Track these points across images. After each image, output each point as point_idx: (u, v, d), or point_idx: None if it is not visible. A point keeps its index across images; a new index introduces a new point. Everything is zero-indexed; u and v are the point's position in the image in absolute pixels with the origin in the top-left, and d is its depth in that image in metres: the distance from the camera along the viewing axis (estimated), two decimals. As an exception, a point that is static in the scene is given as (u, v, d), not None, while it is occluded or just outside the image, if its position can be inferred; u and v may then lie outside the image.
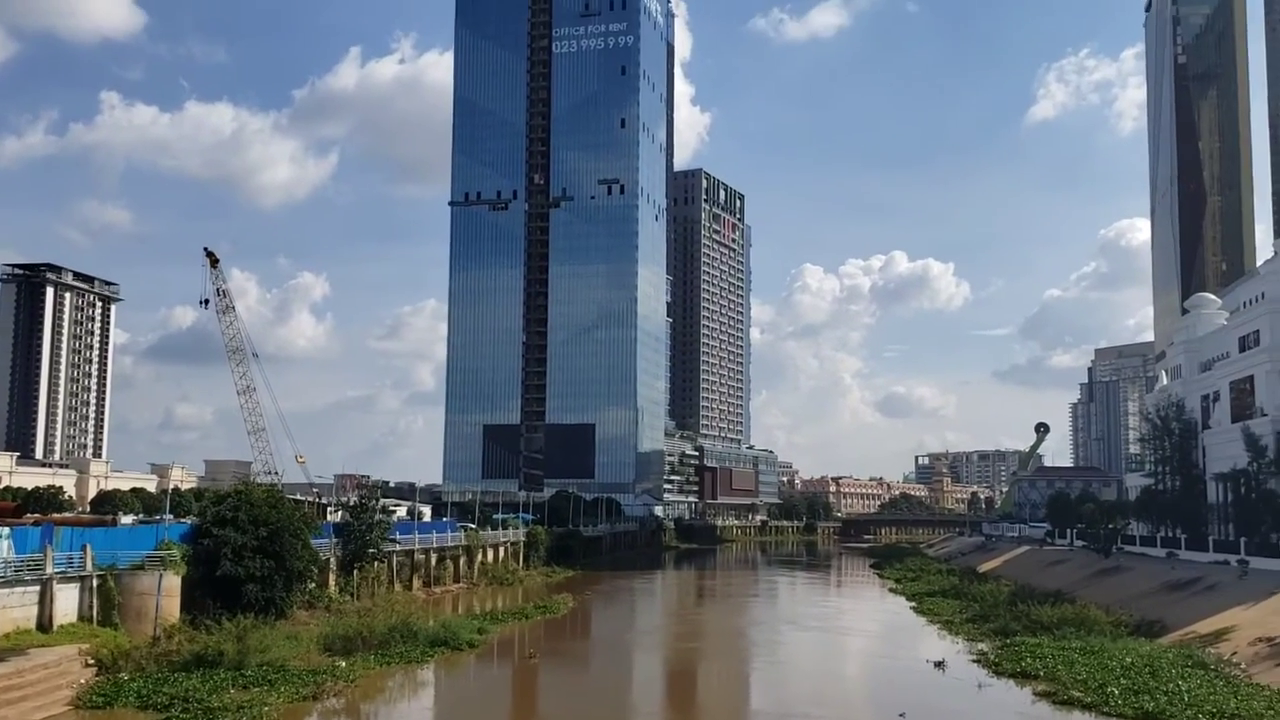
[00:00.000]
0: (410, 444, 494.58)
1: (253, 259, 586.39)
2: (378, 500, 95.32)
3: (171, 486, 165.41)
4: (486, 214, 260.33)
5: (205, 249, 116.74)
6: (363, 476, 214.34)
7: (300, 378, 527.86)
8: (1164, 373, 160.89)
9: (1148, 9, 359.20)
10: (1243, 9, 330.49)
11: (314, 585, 76.77)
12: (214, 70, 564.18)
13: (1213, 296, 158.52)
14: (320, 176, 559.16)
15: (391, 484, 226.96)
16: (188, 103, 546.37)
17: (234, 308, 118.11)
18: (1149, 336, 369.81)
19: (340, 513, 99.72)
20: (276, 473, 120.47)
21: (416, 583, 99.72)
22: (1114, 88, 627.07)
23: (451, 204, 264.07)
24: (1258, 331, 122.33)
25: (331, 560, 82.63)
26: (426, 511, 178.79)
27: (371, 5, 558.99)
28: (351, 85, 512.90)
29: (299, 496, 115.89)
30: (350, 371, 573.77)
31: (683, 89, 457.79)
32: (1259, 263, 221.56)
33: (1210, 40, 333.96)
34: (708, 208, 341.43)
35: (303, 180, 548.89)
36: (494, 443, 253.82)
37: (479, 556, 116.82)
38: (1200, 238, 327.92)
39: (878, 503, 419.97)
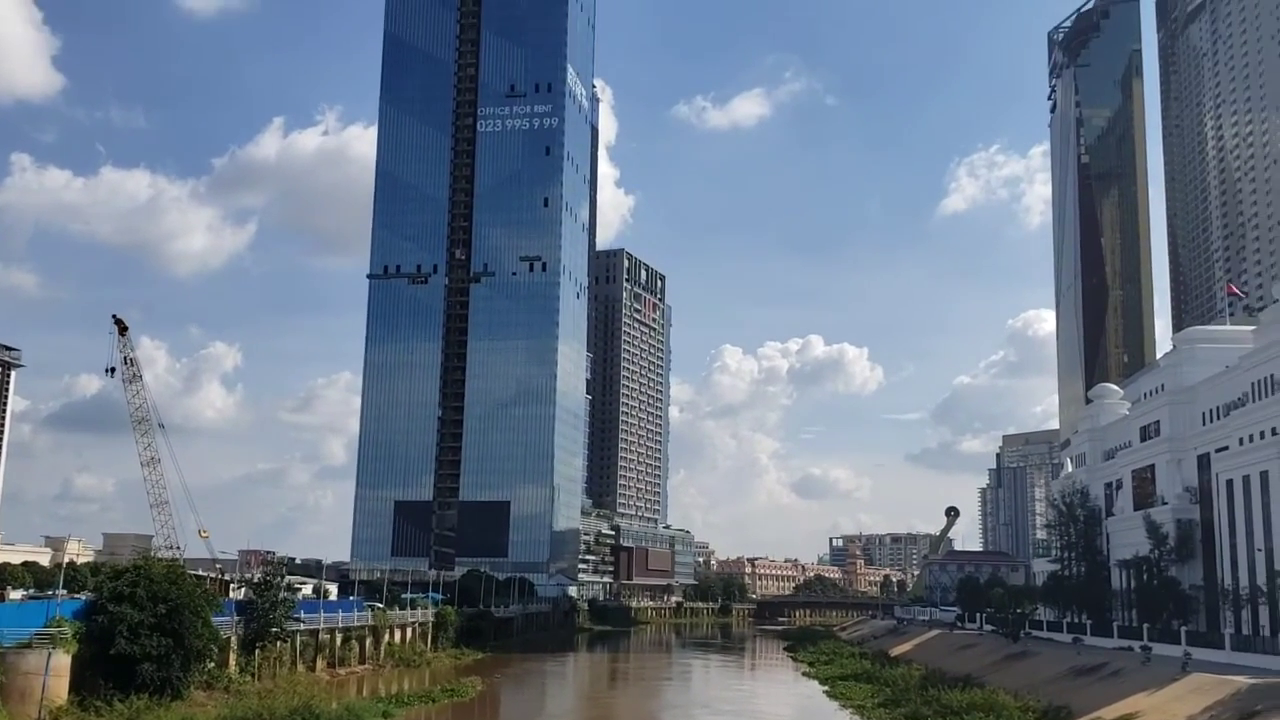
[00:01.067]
0: (319, 520, 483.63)
1: (164, 327, 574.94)
2: (282, 577, 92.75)
3: (66, 560, 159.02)
4: (405, 287, 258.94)
5: (114, 316, 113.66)
6: (268, 552, 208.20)
7: (207, 450, 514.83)
8: (1069, 460, 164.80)
9: (1053, 110, 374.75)
10: (1141, 112, 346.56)
11: (213, 665, 74.12)
12: (133, 136, 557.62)
13: (1115, 387, 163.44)
14: (237, 246, 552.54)
15: (298, 560, 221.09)
16: (103, 168, 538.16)
17: (141, 377, 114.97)
18: (1055, 424, 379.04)
19: (243, 589, 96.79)
20: (179, 547, 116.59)
21: (321, 664, 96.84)
22: (1022, 183, 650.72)
23: (370, 277, 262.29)
24: (1158, 422, 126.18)
25: (233, 639, 79.94)
26: (333, 589, 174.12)
27: (297, 77, 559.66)
28: (273, 155, 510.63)
29: (201, 572, 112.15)
30: (259, 444, 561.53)
31: (608, 171, 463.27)
32: (1159, 355, 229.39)
33: (1111, 141, 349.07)
34: (629, 287, 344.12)
35: (219, 249, 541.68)
36: (405, 520, 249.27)
37: (386, 637, 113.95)
38: (1103, 330, 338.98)
39: (792, 584, 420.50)
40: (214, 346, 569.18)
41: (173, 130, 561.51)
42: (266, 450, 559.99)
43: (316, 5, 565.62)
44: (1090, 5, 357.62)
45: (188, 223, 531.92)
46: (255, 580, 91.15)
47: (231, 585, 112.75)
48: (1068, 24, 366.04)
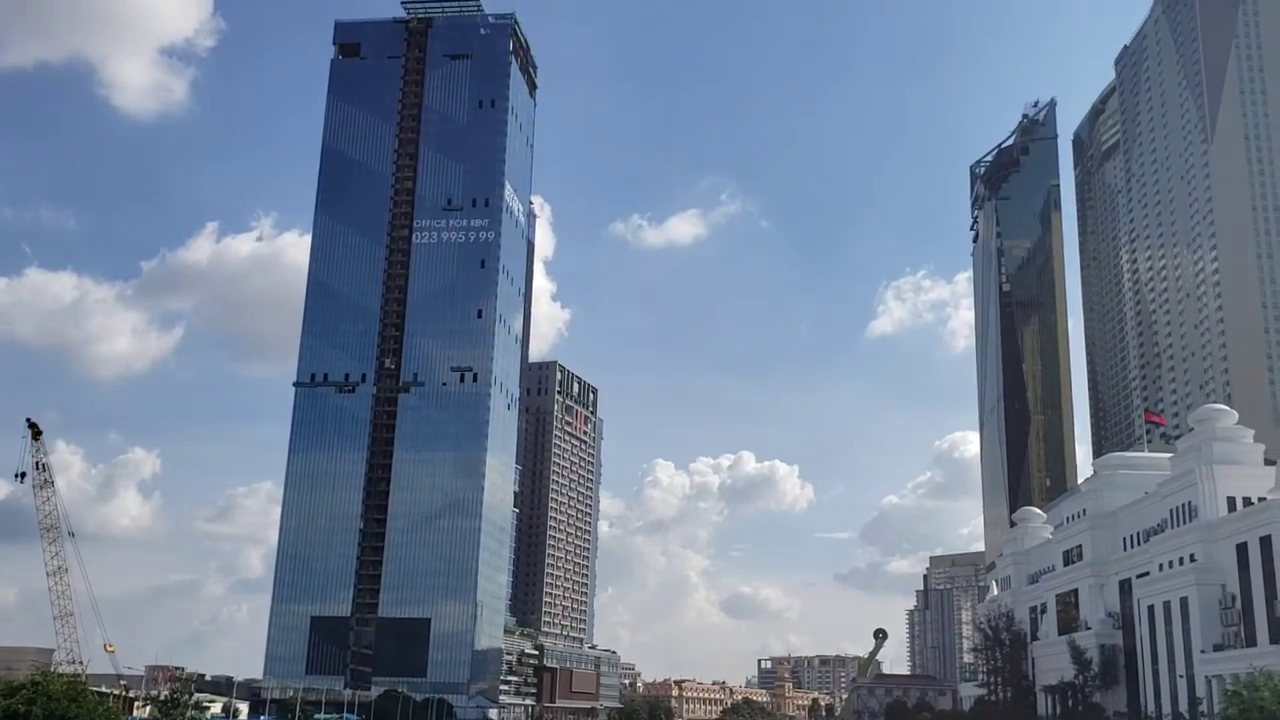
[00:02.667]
0: (232, 635, 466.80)
1: (82, 432, 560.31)
2: (191, 695, 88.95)
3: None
4: (332, 396, 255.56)
5: (28, 420, 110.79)
6: (177, 669, 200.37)
7: (119, 559, 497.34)
8: (994, 583, 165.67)
9: (975, 240, 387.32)
10: (1060, 244, 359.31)
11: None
12: (61, 237, 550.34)
13: (1038, 511, 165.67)
14: (162, 350, 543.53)
15: (208, 677, 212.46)
16: (28, 269, 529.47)
17: (53, 482, 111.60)
18: (981, 546, 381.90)
19: (149, 708, 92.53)
20: (81, 662, 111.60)
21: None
22: (948, 307, 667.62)
23: (296, 384, 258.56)
24: (1080, 546, 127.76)
25: (132, 762, 75.88)
26: (243, 709, 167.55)
27: (234, 183, 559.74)
28: (204, 259, 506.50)
29: (104, 689, 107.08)
30: (174, 554, 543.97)
31: (545, 285, 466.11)
32: (1080, 479, 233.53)
33: (1032, 271, 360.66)
34: (561, 399, 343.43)
35: (143, 353, 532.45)
36: (321, 636, 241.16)
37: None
38: (1025, 453, 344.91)
39: (720, 708, 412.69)
40: (133, 452, 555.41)
41: (103, 232, 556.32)
42: (181, 561, 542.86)
43: (256, 114, 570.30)
44: (1011, 142, 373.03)
45: (112, 326, 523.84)
46: (162, 698, 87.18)
47: (136, 703, 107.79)
48: (989, 158, 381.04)
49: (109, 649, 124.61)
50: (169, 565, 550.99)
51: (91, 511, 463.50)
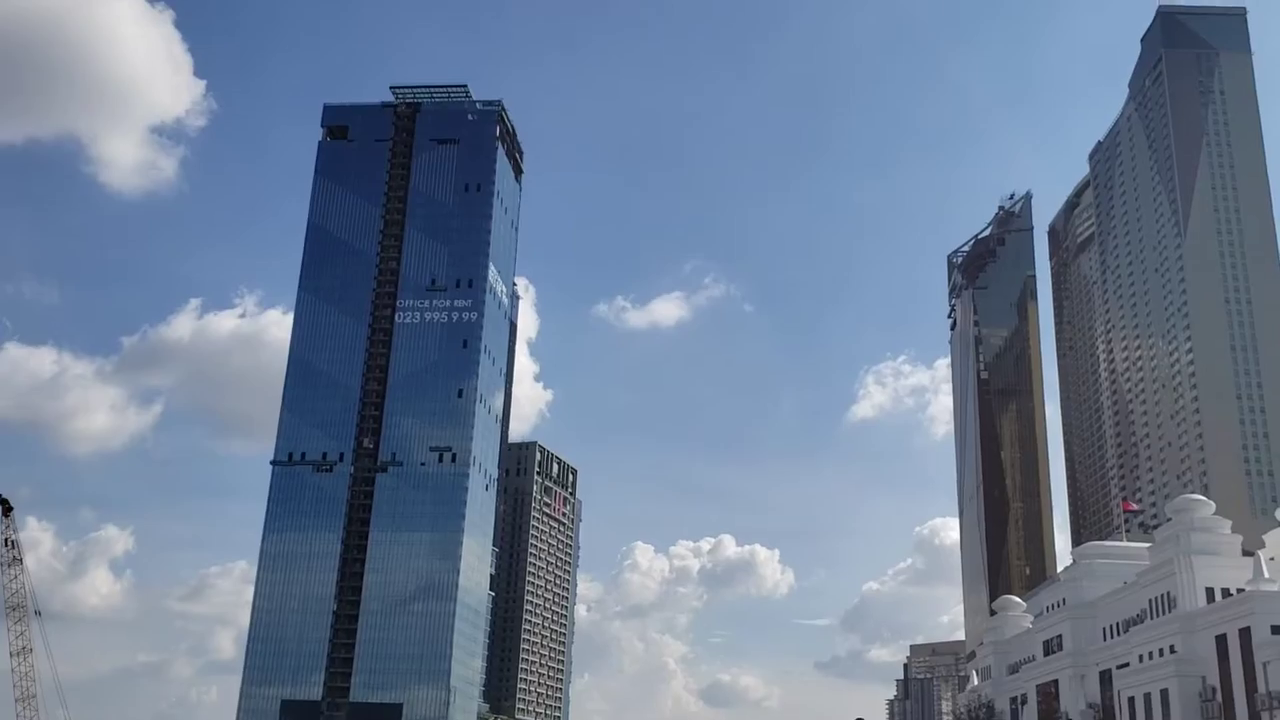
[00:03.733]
0: (200, 717, 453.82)
1: (53, 508, 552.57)
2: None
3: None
4: (310, 475, 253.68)
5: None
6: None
7: (87, 639, 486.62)
8: (975, 673, 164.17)
9: (953, 328, 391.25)
10: (1036, 333, 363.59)
11: None
12: (43, 311, 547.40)
13: (1018, 599, 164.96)
14: (140, 426, 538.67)
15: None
16: (8, 343, 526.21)
17: (22, 560, 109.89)
18: (961, 634, 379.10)
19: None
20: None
21: None
22: (928, 393, 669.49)
23: (274, 463, 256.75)
24: (1060, 636, 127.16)
25: None
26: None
27: (219, 261, 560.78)
28: (186, 336, 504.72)
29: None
30: (144, 634, 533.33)
31: (528, 366, 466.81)
32: (1059, 568, 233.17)
33: (1009, 360, 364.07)
34: (540, 480, 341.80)
35: (121, 430, 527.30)
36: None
37: None
38: (1004, 541, 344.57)
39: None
40: (105, 529, 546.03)
41: (85, 308, 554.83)
42: (151, 641, 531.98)
43: (245, 193, 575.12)
44: (988, 233, 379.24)
45: (90, 401, 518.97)
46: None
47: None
48: (966, 248, 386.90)
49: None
50: (137, 645, 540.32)
51: (61, 590, 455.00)
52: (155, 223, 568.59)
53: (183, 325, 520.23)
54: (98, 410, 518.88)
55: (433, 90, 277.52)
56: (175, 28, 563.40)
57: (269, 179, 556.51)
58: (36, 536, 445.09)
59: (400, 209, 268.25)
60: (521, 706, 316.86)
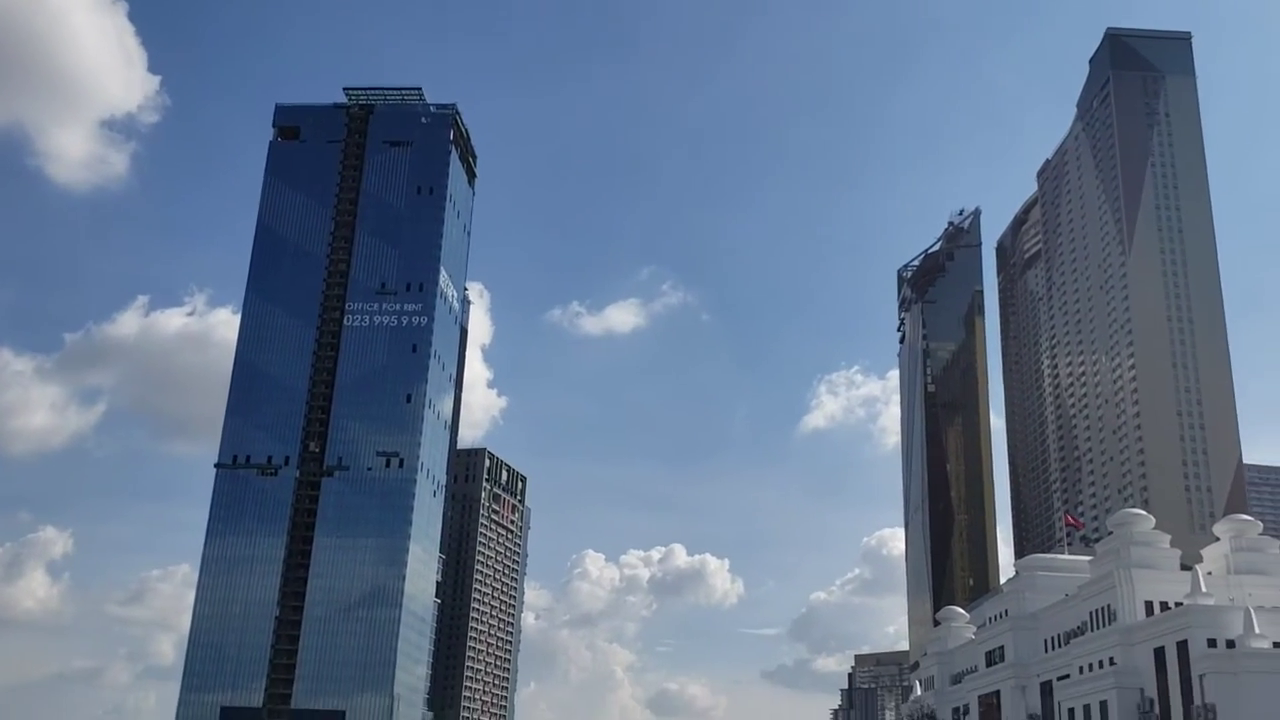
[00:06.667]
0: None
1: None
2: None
3: None
4: (254, 478, 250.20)
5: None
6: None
7: (21, 644, 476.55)
8: (918, 683, 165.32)
9: (902, 341, 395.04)
10: (983, 348, 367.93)
11: None
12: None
13: (961, 610, 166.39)
14: (81, 426, 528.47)
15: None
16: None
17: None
18: (906, 645, 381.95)
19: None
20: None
21: None
22: (879, 403, 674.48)
23: (218, 466, 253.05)
24: (1002, 647, 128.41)
25: None
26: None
27: (169, 258, 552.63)
28: (132, 334, 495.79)
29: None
30: (80, 639, 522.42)
31: (481, 372, 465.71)
32: (1003, 579, 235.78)
33: (956, 374, 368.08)
34: (489, 487, 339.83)
35: (61, 429, 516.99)
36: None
37: None
38: (949, 552, 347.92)
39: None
40: (44, 531, 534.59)
41: (27, 304, 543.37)
42: (88, 646, 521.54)
43: (197, 190, 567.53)
44: (937, 248, 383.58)
45: (29, 400, 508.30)
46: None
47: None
48: (916, 263, 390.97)
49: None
50: (74, 650, 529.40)
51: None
52: (103, 218, 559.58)
53: (128, 323, 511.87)
54: (37, 409, 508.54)
55: (386, 92, 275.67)
56: (129, 20, 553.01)
57: (221, 177, 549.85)
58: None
59: (351, 211, 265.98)
60: (466, 714, 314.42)
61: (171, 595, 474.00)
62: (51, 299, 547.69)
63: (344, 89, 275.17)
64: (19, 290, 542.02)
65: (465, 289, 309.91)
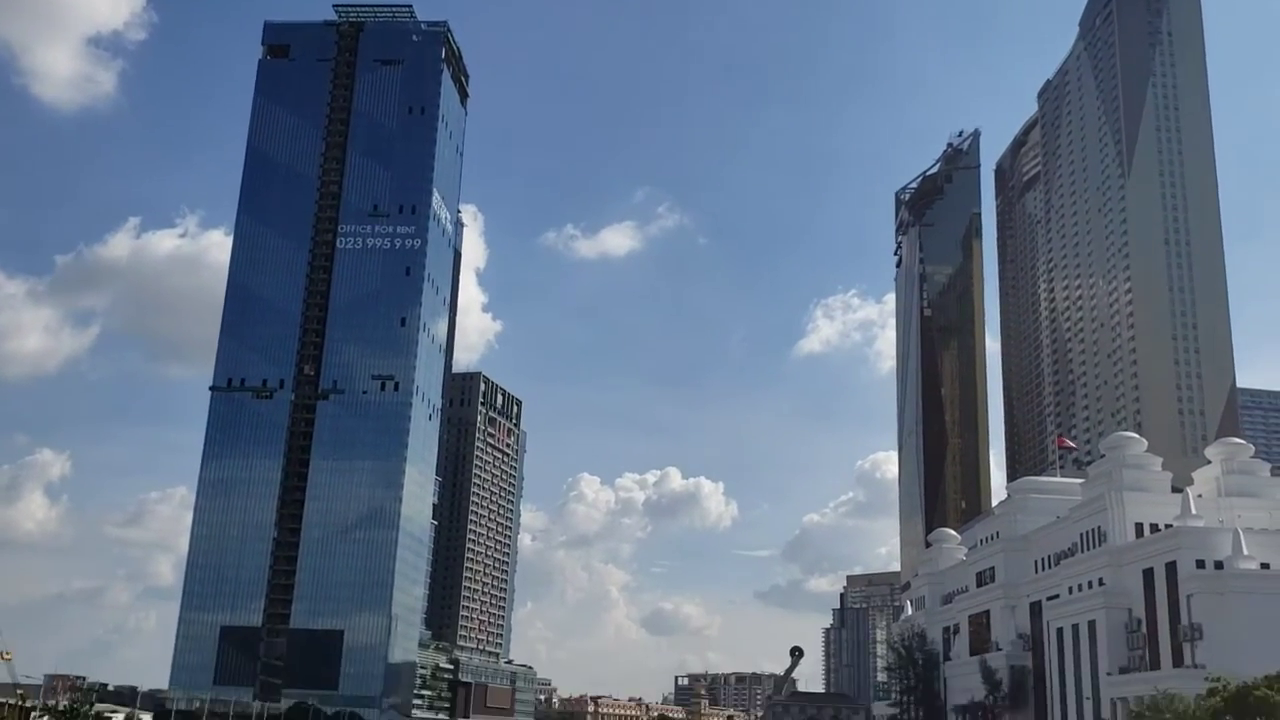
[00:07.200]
0: (138, 644, 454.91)
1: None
2: (92, 705, 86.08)
3: None
4: (249, 401, 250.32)
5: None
6: (78, 678, 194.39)
7: (21, 564, 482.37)
8: (909, 603, 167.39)
9: (899, 264, 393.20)
10: (980, 271, 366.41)
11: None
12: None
13: (953, 532, 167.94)
14: (75, 349, 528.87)
15: (111, 687, 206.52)
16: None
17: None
18: (897, 566, 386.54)
19: (46, 718, 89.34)
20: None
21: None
22: (875, 327, 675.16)
23: (213, 389, 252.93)
24: (993, 568, 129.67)
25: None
26: (147, 719, 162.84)
27: (161, 178, 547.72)
28: (124, 256, 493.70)
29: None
30: (80, 560, 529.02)
31: (476, 296, 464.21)
32: (994, 502, 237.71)
33: (952, 297, 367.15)
34: (484, 411, 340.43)
35: (55, 352, 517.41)
36: (231, 646, 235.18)
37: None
38: (942, 475, 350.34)
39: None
40: (41, 454, 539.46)
41: (17, 225, 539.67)
42: (87, 566, 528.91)
43: (187, 109, 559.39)
44: (935, 169, 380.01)
45: (23, 323, 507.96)
46: (61, 708, 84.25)
47: (34, 713, 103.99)
48: (914, 185, 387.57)
49: (5, 656, 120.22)
50: (74, 571, 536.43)
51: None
52: (92, 138, 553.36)
53: (120, 245, 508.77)
54: (31, 332, 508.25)
55: (376, 9, 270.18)
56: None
57: (211, 96, 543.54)
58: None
59: (342, 131, 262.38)
60: (464, 634, 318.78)
61: (169, 517, 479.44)
62: (41, 221, 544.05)
63: (333, 5, 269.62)
64: (8, 212, 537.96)
65: (459, 211, 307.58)
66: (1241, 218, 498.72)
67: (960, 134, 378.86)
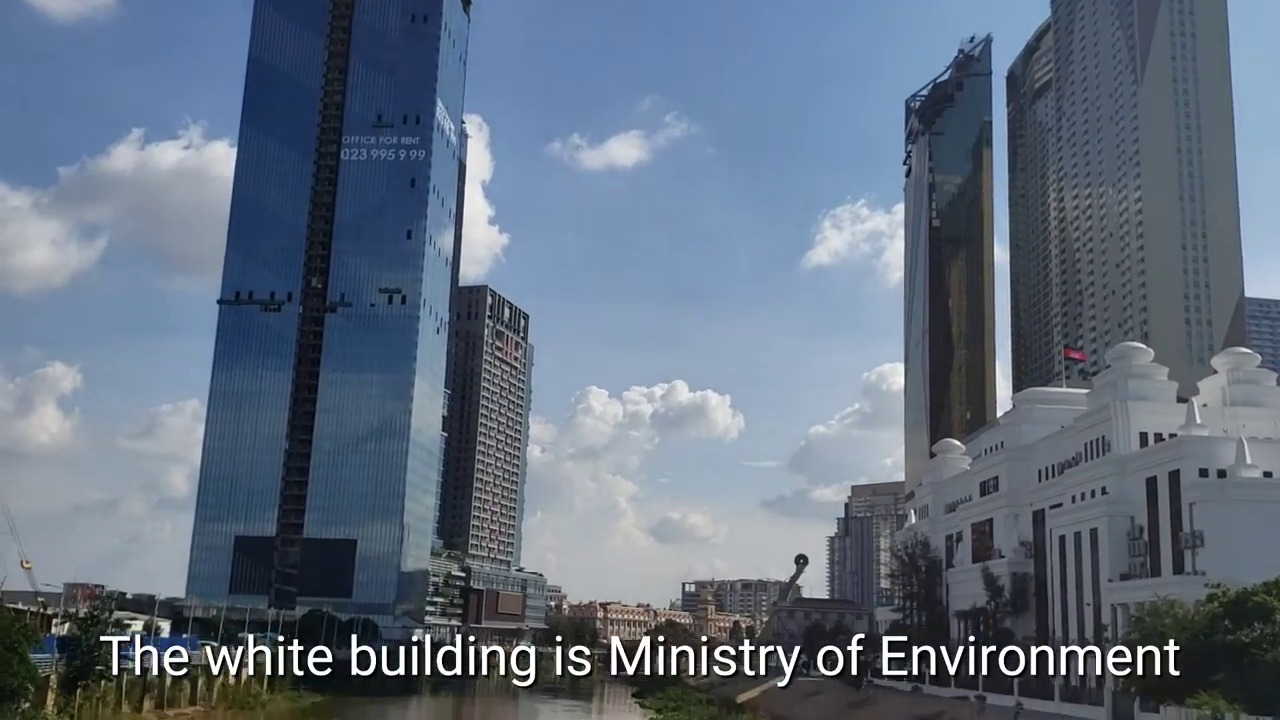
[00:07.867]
0: (154, 553, 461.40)
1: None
2: (111, 613, 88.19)
3: None
4: (257, 314, 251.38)
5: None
6: (97, 586, 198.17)
7: (37, 476, 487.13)
8: (912, 512, 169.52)
9: (908, 174, 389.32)
10: (990, 181, 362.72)
11: (28, 705, 69.54)
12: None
13: (957, 443, 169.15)
14: (83, 263, 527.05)
15: (129, 595, 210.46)
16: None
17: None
18: (902, 476, 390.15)
19: (67, 625, 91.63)
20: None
21: (148, 704, 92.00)
22: (884, 238, 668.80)
23: (220, 302, 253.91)
24: (997, 478, 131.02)
25: (52, 677, 75.23)
26: (165, 626, 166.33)
27: (163, 88, 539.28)
28: (129, 167, 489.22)
29: (20, 605, 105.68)
30: (95, 472, 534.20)
31: (482, 208, 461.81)
32: (999, 414, 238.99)
33: (962, 207, 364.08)
34: (491, 324, 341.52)
35: (63, 266, 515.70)
36: (245, 555, 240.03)
37: (220, 678, 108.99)
38: (947, 387, 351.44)
39: (643, 629, 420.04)
40: (52, 367, 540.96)
41: (19, 136, 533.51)
42: (102, 478, 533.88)
43: (184, 20, 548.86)
44: (946, 77, 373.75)
45: (29, 235, 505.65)
46: (81, 615, 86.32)
47: (55, 620, 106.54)
48: (924, 93, 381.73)
49: (26, 565, 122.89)
50: (89, 483, 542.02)
51: (8, 427, 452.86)
52: (91, 47, 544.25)
53: (124, 156, 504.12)
54: (38, 245, 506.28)
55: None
56: None
57: (213, 2, 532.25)
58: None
59: (344, 40, 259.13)
60: (475, 543, 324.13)
61: (182, 429, 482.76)
62: (43, 132, 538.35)
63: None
64: (9, 123, 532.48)
65: (463, 122, 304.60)
66: (1257, 124, 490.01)
67: (972, 40, 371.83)
